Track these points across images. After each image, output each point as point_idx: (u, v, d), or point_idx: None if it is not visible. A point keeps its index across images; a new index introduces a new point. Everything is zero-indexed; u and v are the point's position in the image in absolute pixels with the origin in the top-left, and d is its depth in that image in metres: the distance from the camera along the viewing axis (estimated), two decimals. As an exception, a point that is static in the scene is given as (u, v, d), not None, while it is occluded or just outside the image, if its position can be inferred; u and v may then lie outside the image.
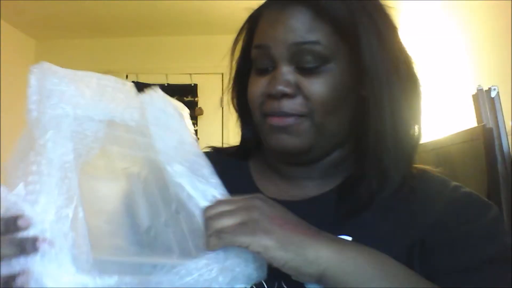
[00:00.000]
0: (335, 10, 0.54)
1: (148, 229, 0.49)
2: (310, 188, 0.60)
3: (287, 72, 0.55)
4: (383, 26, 0.57)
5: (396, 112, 0.55)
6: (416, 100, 0.58)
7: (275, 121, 0.55)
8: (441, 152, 1.37)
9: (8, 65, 3.06)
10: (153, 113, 0.52)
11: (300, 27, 0.54)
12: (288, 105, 0.54)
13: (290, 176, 0.62)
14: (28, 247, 0.40)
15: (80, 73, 0.49)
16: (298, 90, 0.54)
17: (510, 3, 1.31)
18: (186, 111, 0.57)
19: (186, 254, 0.48)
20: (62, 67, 0.50)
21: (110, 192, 0.49)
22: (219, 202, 0.48)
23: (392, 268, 0.47)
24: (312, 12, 0.54)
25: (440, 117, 1.66)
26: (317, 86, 0.54)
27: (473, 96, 1.34)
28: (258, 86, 0.57)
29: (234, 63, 0.67)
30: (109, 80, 0.50)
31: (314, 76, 0.54)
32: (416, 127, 0.58)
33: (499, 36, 1.41)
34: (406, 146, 0.57)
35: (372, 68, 0.54)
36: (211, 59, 3.39)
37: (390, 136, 0.55)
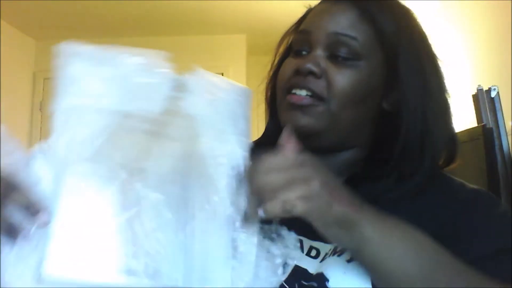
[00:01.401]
0: (381, 17, 0.58)
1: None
2: None
3: (319, 56, 0.58)
4: (422, 47, 0.61)
5: (423, 123, 0.58)
6: (447, 107, 0.62)
7: (294, 98, 0.58)
8: (441, 152, 1.37)
9: (8, 65, 3.05)
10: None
11: (343, 21, 0.58)
12: (312, 83, 0.57)
13: None
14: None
15: (109, 55, 0.46)
16: (324, 73, 0.57)
17: (510, 3, 1.31)
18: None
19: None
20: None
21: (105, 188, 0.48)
22: (272, 166, 0.46)
23: (432, 250, 0.48)
24: (358, 12, 0.58)
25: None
26: (342, 76, 0.57)
27: (473, 96, 1.34)
28: (290, 65, 0.60)
29: (278, 55, 0.69)
30: (140, 66, 0.46)
31: (343, 67, 0.57)
32: (447, 135, 0.61)
33: (499, 36, 1.41)
34: (432, 153, 0.58)
35: (406, 78, 0.58)
36: (211, 59, 3.40)
37: (417, 145, 0.57)
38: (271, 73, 0.69)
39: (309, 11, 0.66)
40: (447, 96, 0.62)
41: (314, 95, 0.57)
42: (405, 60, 0.58)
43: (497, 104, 1.26)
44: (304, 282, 0.53)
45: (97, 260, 0.41)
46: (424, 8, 2.02)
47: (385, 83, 0.59)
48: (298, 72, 0.58)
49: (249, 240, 0.46)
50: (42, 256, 0.40)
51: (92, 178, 0.43)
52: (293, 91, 0.58)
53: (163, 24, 3.24)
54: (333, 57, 0.58)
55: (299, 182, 0.44)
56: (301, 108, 0.57)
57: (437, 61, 0.63)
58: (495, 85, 1.29)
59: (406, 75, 0.58)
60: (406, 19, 0.62)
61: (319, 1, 0.65)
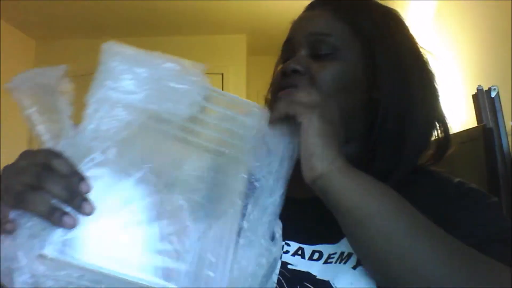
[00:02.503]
0: (354, 13, 0.63)
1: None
2: None
3: (302, 56, 0.63)
4: (396, 31, 0.64)
5: (404, 113, 0.59)
6: (431, 100, 0.63)
7: (282, 93, 0.61)
8: (441, 152, 1.37)
9: (8, 65, 3.05)
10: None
11: (318, 22, 0.64)
12: (297, 80, 0.60)
13: (296, 176, 0.62)
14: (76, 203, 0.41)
15: (147, 57, 0.48)
16: (307, 70, 0.61)
17: (510, 3, 1.31)
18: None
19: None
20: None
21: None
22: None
23: (412, 209, 0.47)
24: (332, 13, 0.64)
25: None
26: (324, 69, 0.60)
27: (473, 96, 1.34)
28: (278, 72, 0.65)
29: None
30: (175, 72, 0.48)
31: (324, 61, 0.61)
32: (437, 125, 0.64)
33: (499, 36, 1.41)
34: (413, 146, 0.60)
35: (384, 66, 0.60)
36: (211, 59, 3.40)
37: (397, 134, 0.59)
38: (269, 91, 0.71)
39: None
40: (432, 89, 0.64)
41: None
42: (381, 50, 0.61)
43: (497, 104, 1.26)
44: (308, 285, 0.53)
45: (115, 251, 0.42)
46: (424, 8, 2.02)
47: (370, 74, 0.61)
48: (283, 73, 0.62)
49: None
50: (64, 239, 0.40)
51: (112, 170, 0.45)
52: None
53: (163, 24, 3.24)
54: (314, 55, 0.62)
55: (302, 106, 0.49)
56: None
57: (420, 54, 0.64)
58: (495, 85, 1.29)
59: (383, 65, 0.60)
60: (382, 14, 0.65)
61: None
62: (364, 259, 0.49)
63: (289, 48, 0.66)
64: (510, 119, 1.25)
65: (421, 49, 0.65)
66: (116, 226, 0.43)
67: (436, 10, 1.91)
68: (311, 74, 0.60)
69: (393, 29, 0.64)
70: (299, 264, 0.55)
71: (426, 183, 0.59)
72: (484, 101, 1.29)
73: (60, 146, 0.44)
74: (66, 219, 0.40)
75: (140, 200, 0.45)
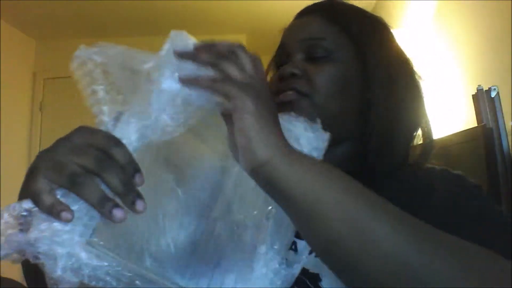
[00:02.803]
0: (345, 17, 0.65)
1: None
2: None
3: (297, 60, 0.64)
4: (384, 35, 0.67)
5: (393, 111, 0.62)
6: (417, 100, 0.65)
7: (281, 97, 0.61)
8: (441, 152, 1.37)
9: (8, 65, 3.05)
10: None
11: (311, 28, 0.66)
12: (294, 83, 0.62)
13: None
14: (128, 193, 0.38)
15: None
16: (304, 73, 0.62)
17: (510, 3, 1.31)
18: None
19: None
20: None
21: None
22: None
23: (371, 195, 0.42)
24: (323, 18, 0.66)
25: (440, 117, 1.66)
26: (320, 71, 0.62)
27: (473, 96, 1.34)
28: (273, 77, 0.66)
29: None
30: None
31: (320, 64, 0.63)
32: (420, 126, 0.65)
33: (499, 36, 1.41)
34: (401, 144, 0.62)
35: (375, 68, 0.62)
36: (211, 59, 3.40)
37: (387, 131, 0.61)
38: None
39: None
40: (417, 91, 0.66)
41: (298, 92, 0.61)
42: (372, 51, 0.63)
43: (497, 104, 1.26)
44: (302, 277, 0.53)
45: (158, 254, 0.42)
46: (424, 8, 2.02)
47: (362, 74, 0.63)
48: (281, 77, 0.63)
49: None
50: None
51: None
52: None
53: (163, 24, 3.24)
54: (309, 59, 0.64)
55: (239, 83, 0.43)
56: (288, 104, 0.61)
57: (406, 58, 0.67)
58: (495, 85, 1.29)
59: (374, 65, 0.62)
60: (370, 19, 0.68)
61: None
62: (322, 253, 0.43)
63: (282, 53, 0.67)
64: (510, 119, 1.25)
65: (406, 54, 0.68)
66: (157, 228, 0.43)
67: (436, 10, 1.91)
68: (308, 76, 0.62)
69: (381, 32, 0.67)
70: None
71: (406, 179, 0.61)
72: (484, 101, 1.29)
73: (118, 131, 0.41)
74: (116, 213, 0.37)
75: (186, 206, 0.45)
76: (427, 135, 0.66)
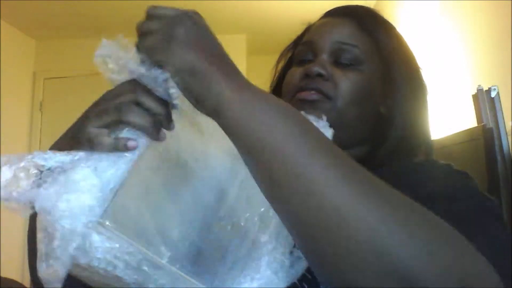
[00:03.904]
0: (376, 29, 0.66)
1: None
2: None
3: (324, 60, 0.64)
4: (407, 50, 0.69)
5: (411, 120, 0.64)
6: (425, 106, 0.67)
7: (304, 94, 0.62)
8: (441, 152, 1.37)
9: (8, 65, 3.05)
10: None
11: (344, 31, 0.66)
12: (320, 84, 0.62)
13: None
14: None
15: None
16: (331, 76, 0.63)
17: (510, 3, 1.30)
18: None
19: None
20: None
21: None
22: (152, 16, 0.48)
23: (305, 125, 0.39)
24: (356, 24, 0.66)
25: (440, 117, 1.66)
26: (347, 78, 0.63)
27: (473, 96, 1.34)
28: (295, 72, 0.66)
29: (277, 72, 0.74)
30: None
31: (347, 71, 0.63)
32: (426, 129, 0.67)
33: (499, 36, 1.41)
34: (411, 145, 0.64)
35: (400, 84, 0.64)
36: (211, 59, 3.39)
37: (401, 140, 0.63)
38: (271, 89, 0.74)
39: (308, 28, 0.72)
40: (426, 102, 0.68)
41: (322, 94, 0.61)
42: (399, 67, 0.65)
43: (497, 104, 1.26)
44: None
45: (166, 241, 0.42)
46: (424, 8, 2.02)
47: (382, 89, 0.65)
48: (306, 75, 0.63)
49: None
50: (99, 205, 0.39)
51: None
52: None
53: (163, 24, 3.24)
54: (337, 63, 0.64)
55: (164, 27, 0.43)
56: (310, 103, 0.61)
57: (419, 67, 0.69)
58: (495, 85, 1.29)
59: (399, 83, 0.64)
60: (395, 32, 0.70)
61: (321, 7, 0.72)
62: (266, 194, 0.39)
63: (308, 49, 0.67)
64: (510, 119, 1.25)
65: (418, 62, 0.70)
66: (160, 215, 0.43)
67: (436, 10, 1.91)
68: (334, 80, 0.62)
69: (405, 47, 0.69)
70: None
71: (407, 164, 0.63)
72: (484, 101, 1.29)
73: None
74: (162, 134, 0.44)
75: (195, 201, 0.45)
76: (428, 140, 0.68)
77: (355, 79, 0.63)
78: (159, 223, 0.43)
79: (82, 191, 0.38)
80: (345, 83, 0.62)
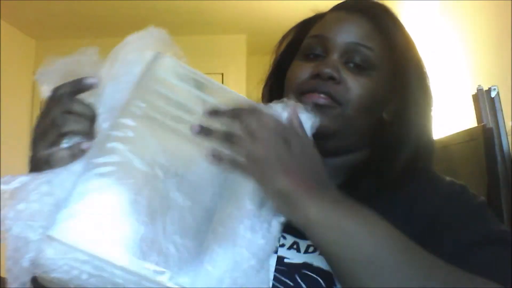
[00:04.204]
0: (393, 31, 0.63)
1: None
2: None
3: (337, 61, 0.61)
4: (419, 55, 0.66)
5: (419, 125, 0.63)
6: (430, 110, 0.66)
7: (314, 97, 0.59)
8: (441, 152, 1.37)
9: (8, 65, 3.05)
10: None
11: (360, 31, 0.62)
12: (331, 87, 0.59)
13: None
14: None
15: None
16: (343, 80, 0.60)
17: (510, 3, 1.30)
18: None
19: None
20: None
21: None
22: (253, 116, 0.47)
23: (398, 239, 0.45)
24: (373, 24, 0.62)
25: (440, 117, 1.65)
26: (359, 83, 0.60)
27: (473, 96, 1.34)
28: (303, 68, 0.62)
29: (279, 55, 0.71)
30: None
31: (359, 75, 0.60)
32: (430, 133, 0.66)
33: (499, 36, 1.41)
34: (420, 150, 0.63)
35: (414, 92, 0.62)
36: (211, 59, 3.39)
37: (411, 140, 0.62)
38: (270, 72, 0.70)
39: (317, 16, 0.68)
40: (432, 109, 0.66)
41: (332, 99, 0.59)
42: (414, 73, 0.63)
43: (497, 104, 1.26)
44: (307, 272, 0.54)
45: (108, 237, 0.42)
46: (424, 8, 2.02)
47: (389, 95, 0.63)
48: (318, 76, 0.60)
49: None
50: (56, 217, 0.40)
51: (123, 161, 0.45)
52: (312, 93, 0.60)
53: (163, 24, 3.22)
54: (348, 64, 0.61)
55: (267, 145, 0.45)
56: (319, 107, 0.58)
57: (429, 80, 0.67)
58: (495, 85, 1.29)
59: (413, 88, 0.62)
60: (409, 35, 0.66)
61: (323, 4, 0.68)
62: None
63: (317, 44, 0.63)
64: (510, 119, 1.25)
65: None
66: (119, 218, 0.43)
67: (436, 11, 1.91)
68: (347, 86, 0.60)
69: (417, 52, 0.66)
70: (295, 258, 0.56)
71: (420, 182, 0.61)
72: (484, 101, 1.29)
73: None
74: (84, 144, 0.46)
75: (146, 195, 0.45)
76: (429, 143, 0.67)
77: (367, 85, 0.60)
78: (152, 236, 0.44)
79: (33, 200, 0.40)
80: (357, 90, 0.60)
